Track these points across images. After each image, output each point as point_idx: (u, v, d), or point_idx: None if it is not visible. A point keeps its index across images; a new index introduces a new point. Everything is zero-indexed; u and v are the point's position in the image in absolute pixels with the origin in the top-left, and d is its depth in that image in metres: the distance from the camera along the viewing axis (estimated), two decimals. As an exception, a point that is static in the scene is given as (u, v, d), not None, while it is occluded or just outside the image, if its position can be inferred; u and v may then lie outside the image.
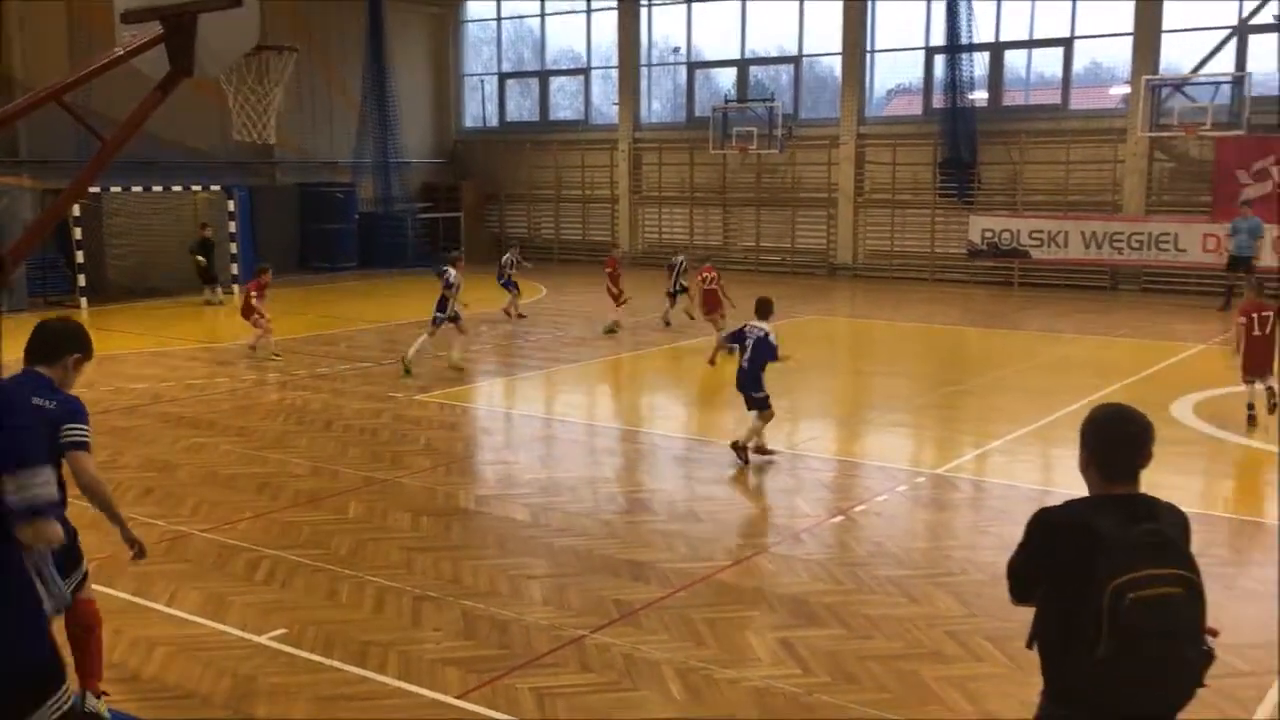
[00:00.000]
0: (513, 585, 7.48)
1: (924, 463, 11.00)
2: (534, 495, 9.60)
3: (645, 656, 6.37)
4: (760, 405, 10.55)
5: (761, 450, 10.68)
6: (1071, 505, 3.63)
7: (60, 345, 5.00)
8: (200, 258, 22.77)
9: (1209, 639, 3.48)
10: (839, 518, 9.06)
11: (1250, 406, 11.91)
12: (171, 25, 6.02)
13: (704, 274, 17.33)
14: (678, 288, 19.32)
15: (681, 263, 19.52)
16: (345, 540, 8.38)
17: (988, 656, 6.35)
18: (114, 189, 22.96)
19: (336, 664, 6.29)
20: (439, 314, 15.07)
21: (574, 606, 7.13)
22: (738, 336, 10.80)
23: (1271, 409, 11.84)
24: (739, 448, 10.50)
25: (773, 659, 6.36)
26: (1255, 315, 11.91)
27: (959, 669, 6.25)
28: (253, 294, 16.55)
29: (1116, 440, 3.61)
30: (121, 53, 6.23)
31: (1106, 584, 3.36)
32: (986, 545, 8.27)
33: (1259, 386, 11.95)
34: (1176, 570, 3.42)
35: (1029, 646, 3.68)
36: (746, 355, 10.54)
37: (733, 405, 13.48)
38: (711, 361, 11.89)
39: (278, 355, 16.20)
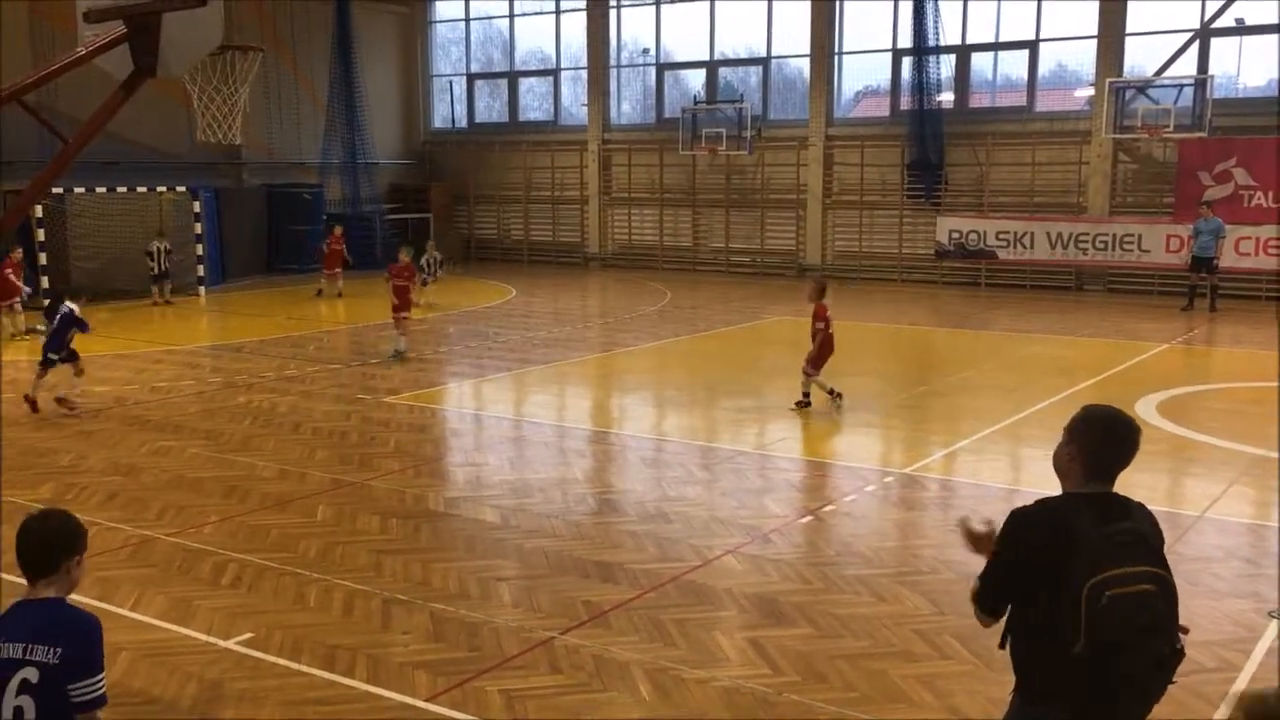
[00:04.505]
0: (482, 588, 7.46)
1: (892, 463, 11.06)
2: (504, 497, 9.57)
3: (615, 658, 6.37)
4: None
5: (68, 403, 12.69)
6: (1046, 503, 3.63)
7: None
8: None
9: (1180, 636, 3.52)
10: (808, 518, 9.09)
11: (834, 393, 12.80)
12: (135, 25, 5.98)
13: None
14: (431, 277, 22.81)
15: (437, 259, 23.61)
16: (313, 543, 8.32)
17: (955, 655, 6.39)
18: (78, 190, 22.72)
19: (304, 668, 6.25)
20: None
21: (543, 608, 7.12)
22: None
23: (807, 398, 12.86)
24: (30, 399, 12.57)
25: (742, 659, 6.38)
26: (828, 316, 12.90)
27: (927, 667, 6.28)
28: (9, 272, 18.25)
29: (1110, 441, 3.61)
30: (84, 52, 6.18)
31: (1084, 582, 3.37)
32: (954, 544, 8.29)
33: (820, 379, 12.83)
34: (1150, 568, 3.45)
35: (1001, 647, 3.68)
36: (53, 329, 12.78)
37: (703, 405, 13.52)
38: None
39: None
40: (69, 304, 12.98)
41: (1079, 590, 3.37)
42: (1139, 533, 3.50)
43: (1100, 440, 3.61)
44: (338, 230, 24.76)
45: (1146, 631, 3.41)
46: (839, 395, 12.90)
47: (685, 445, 11.59)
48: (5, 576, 6.94)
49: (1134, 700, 3.52)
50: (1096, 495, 3.58)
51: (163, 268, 22.97)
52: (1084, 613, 3.37)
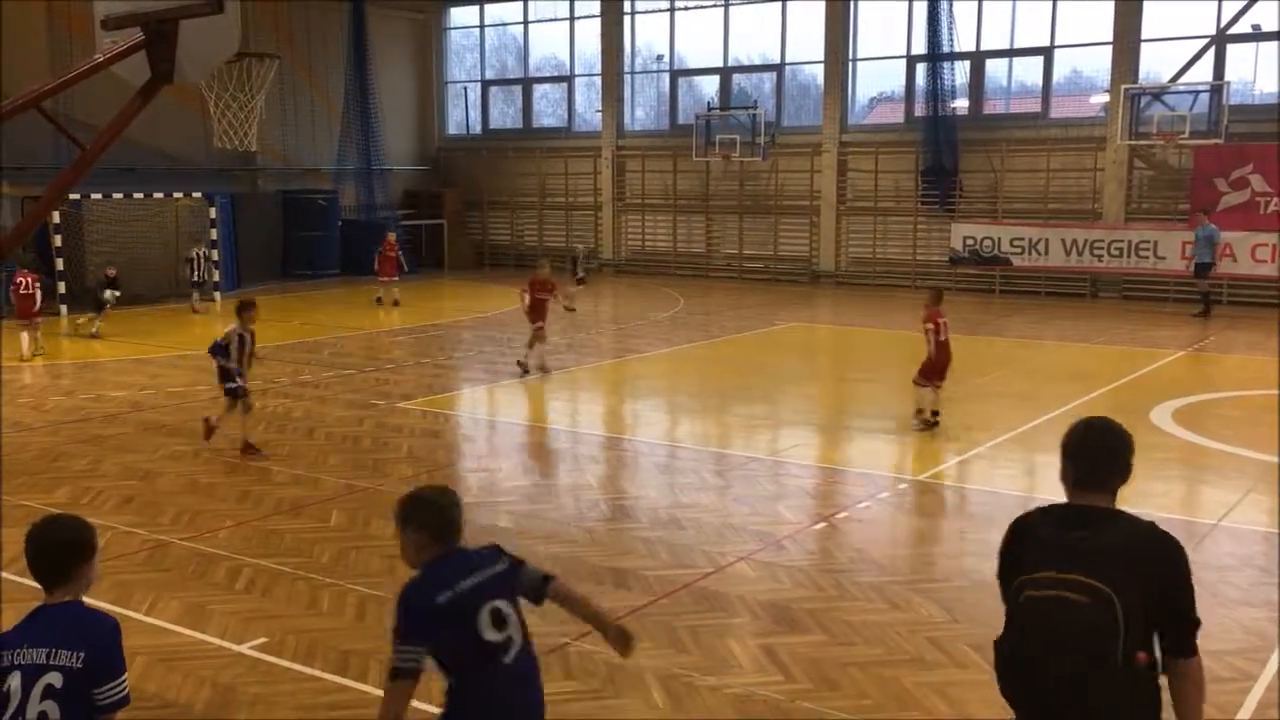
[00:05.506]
0: (495, 593, 7.45)
1: (906, 469, 11.03)
2: (517, 503, 9.58)
3: (628, 664, 6.35)
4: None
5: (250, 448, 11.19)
6: (1034, 510, 3.70)
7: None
8: None
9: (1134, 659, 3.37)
10: (821, 524, 9.07)
11: (922, 411, 12.19)
12: (153, 32, 6.01)
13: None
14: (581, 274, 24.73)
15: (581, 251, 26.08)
16: (327, 549, 8.34)
17: (969, 663, 6.36)
18: (94, 196, 22.84)
19: (318, 673, 6.27)
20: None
21: (556, 614, 7.06)
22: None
23: (935, 415, 12.18)
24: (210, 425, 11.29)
25: (755, 666, 6.37)
26: (940, 322, 12.09)
27: (940, 675, 6.26)
28: (35, 285, 17.59)
29: (1086, 449, 3.62)
30: (102, 59, 6.22)
31: (1013, 582, 3.48)
32: (968, 552, 8.29)
33: (932, 393, 12.20)
34: (1087, 579, 3.33)
35: None
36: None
37: (716, 411, 13.51)
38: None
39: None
40: (236, 326, 11.24)
41: (1008, 590, 3.51)
42: (1092, 543, 3.41)
43: (1074, 450, 3.64)
44: (391, 237, 24.91)
45: (1067, 638, 3.32)
46: (935, 420, 12.15)
47: (698, 451, 11.58)
48: (5, 575, 7.00)
49: (1067, 712, 3.37)
50: (1075, 505, 3.59)
51: (201, 275, 23.04)
52: (1008, 612, 3.48)
